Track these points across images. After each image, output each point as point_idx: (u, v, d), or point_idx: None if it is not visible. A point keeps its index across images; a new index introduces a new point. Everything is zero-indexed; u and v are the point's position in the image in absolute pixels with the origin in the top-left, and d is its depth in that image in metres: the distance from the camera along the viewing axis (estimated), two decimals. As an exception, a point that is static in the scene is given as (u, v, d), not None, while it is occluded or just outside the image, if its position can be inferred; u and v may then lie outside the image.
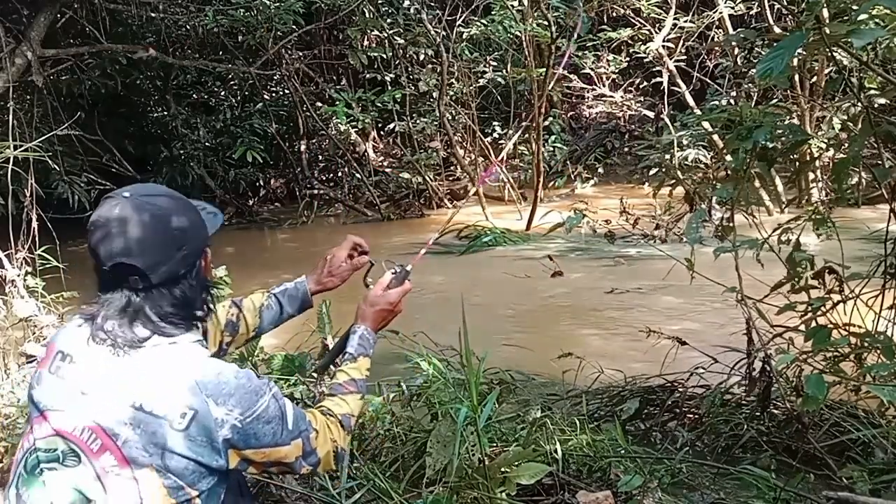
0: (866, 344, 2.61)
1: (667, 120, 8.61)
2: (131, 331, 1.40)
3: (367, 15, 9.54)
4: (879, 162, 2.63)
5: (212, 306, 1.55)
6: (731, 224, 2.87)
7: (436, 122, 10.23)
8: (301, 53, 10.88)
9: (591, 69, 10.20)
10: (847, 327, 2.69)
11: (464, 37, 9.60)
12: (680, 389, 3.17)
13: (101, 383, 1.39)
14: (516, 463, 2.29)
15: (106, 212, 1.41)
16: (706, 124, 6.16)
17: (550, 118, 10.54)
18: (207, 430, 1.37)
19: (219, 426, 1.38)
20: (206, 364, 1.43)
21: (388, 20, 9.97)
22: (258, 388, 1.44)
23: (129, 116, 10.52)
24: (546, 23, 7.95)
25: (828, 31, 2.21)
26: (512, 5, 8.80)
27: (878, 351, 2.55)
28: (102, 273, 1.41)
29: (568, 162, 10.74)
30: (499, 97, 10.95)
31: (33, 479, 1.39)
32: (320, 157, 11.13)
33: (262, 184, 11.04)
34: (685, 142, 7.35)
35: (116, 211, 1.40)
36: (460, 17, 9.59)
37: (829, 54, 2.47)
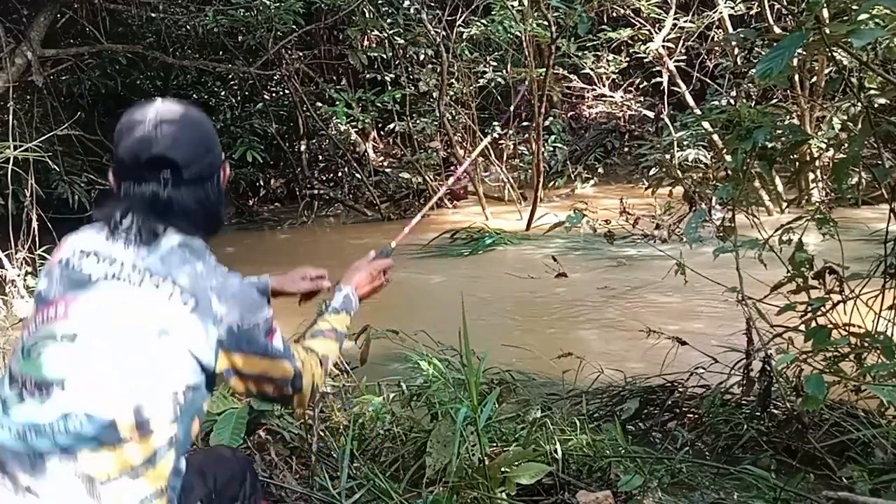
0: (866, 344, 2.61)
1: (667, 120, 8.61)
2: (154, 223, 1.44)
3: (367, 15, 9.53)
4: (879, 162, 2.64)
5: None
6: (731, 224, 2.88)
7: (436, 122, 10.23)
8: (301, 53, 10.88)
9: (591, 69, 10.19)
10: (847, 327, 2.69)
11: (464, 37, 9.60)
12: (680, 389, 3.17)
13: (115, 273, 1.42)
14: (516, 463, 2.29)
15: (139, 114, 1.47)
16: (706, 124, 6.16)
17: (550, 118, 10.54)
18: (206, 324, 1.41)
19: (217, 323, 1.42)
20: (216, 265, 1.48)
21: (388, 20, 9.96)
22: (259, 301, 1.49)
23: (130, 116, 10.50)
24: (546, 23, 7.95)
25: (828, 31, 2.21)
26: (512, 5, 8.80)
27: (878, 351, 2.56)
28: (130, 171, 1.46)
29: (568, 162, 10.73)
30: (499, 97, 10.95)
31: (31, 359, 1.41)
32: (320, 157, 11.13)
33: (262, 184, 11.03)
34: (685, 142, 7.35)
35: (151, 112, 1.47)
36: (460, 17, 9.58)
37: (829, 54, 2.47)
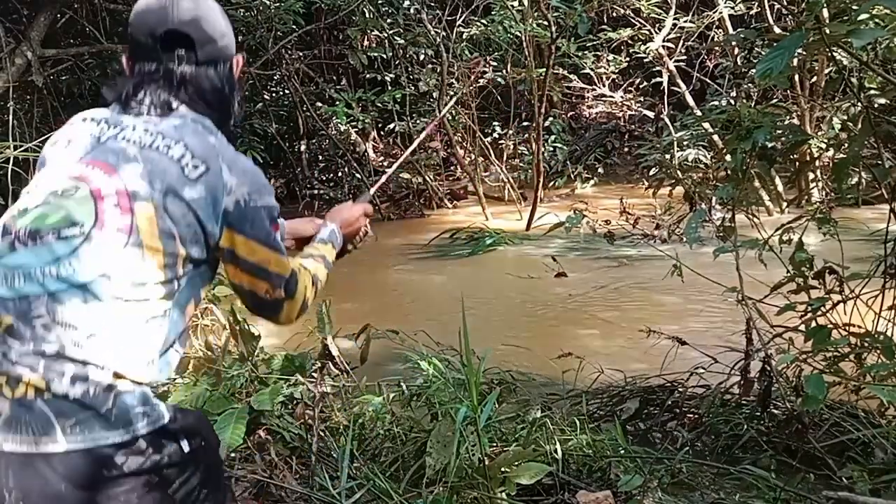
0: (866, 344, 2.61)
1: (667, 120, 8.61)
2: (167, 97, 1.45)
3: (367, 15, 9.53)
4: (879, 162, 2.63)
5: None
6: (731, 224, 2.88)
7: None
8: (301, 53, 10.87)
9: (591, 69, 10.19)
10: (847, 327, 2.69)
11: (464, 37, 9.60)
12: (680, 389, 3.17)
13: (121, 139, 1.41)
14: (516, 463, 2.29)
15: None
16: (706, 124, 6.16)
17: (550, 118, 10.54)
18: (214, 190, 1.38)
19: (226, 193, 1.40)
20: (227, 142, 1.48)
21: (388, 20, 9.96)
22: (269, 187, 1.49)
23: (129, 116, 10.51)
24: (546, 23, 7.95)
25: (828, 31, 2.21)
26: (512, 5, 8.80)
27: (878, 351, 2.56)
28: (145, 49, 1.47)
29: (568, 162, 10.73)
30: (499, 97, 10.95)
31: (27, 213, 1.39)
32: (320, 157, 11.12)
33: (261, 184, 11.03)
34: (685, 142, 7.35)
35: None
36: (460, 17, 9.58)
37: (829, 54, 2.47)
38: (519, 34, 9.28)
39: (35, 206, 1.38)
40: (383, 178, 2.44)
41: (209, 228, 1.39)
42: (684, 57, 9.36)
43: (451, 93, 9.37)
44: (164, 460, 1.35)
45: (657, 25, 8.70)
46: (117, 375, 1.33)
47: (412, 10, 9.88)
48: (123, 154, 1.38)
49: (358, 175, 10.30)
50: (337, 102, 10.22)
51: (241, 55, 1.59)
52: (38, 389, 1.28)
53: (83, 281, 1.31)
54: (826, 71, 7.12)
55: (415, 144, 2.76)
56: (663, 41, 8.59)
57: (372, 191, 2.20)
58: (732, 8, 8.33)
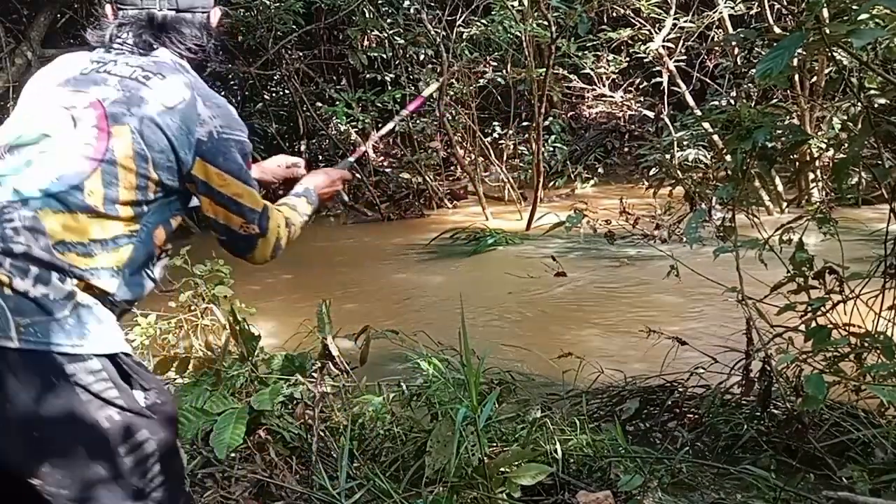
0: (866, 344, 2.61)
1: (667, 120, 8.61)
2: (147, 38, 1.55)
3: (367, 15, 9.53)
4: (879, 162, 2.63)
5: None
6: (731, 224, 2.87)
7: (436, 122, 10.23)
8: (301, 53, 10.87)
9: (591, 69, 10.19)
10: (847, 327, 2.69)
11: (464, 37, 9.60)
12: (680, 389, 3.17)
13: (103, 72, 1.50)
14: (516, 463, 2.29)
15: None
16: (706, 124, 6.16)
17: (550, 118, 10.53)
18: (189, 120, 1.47)
19: (199, 123, 1.47)
20: (202, 82, 1.58)
21: (388, 20, 9.96)
22: (242, 124, 1.57)
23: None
24: (546, 23, 7.95)
25: (828, 31, 2.21)
26: (512, 5, 8.79)
27: (878, 351, 2.56)
28: None
29: (568, 162, 10.73)
30: (499, 97, 10.94)
31: (7, 133, 1.48)
32: (320, 157, 11.12)
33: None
34: (685, 142, 7.35)
35: None
36: (460, 17, 9.58)
37: (829, 54, 2.47)
38: (519, 34, 9.27)
39: (18, 124, 1.48)
40: (364, 148, 2.64)
41: (182, 156, 1.47)
42: (684, 57, 9.36)
43: (451, 92, 9.38)
44: (115, 397, 1.37)
45: (657, 25, 8.69)
46: (82, 285, 1.38)
47: (412, 10, 9.87)
48: (104, 83, 1.48)
49: (358, 175, 10.29)
50: (337, 102, 10.22)
51: (218, 8, 1.69)
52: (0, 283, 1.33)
53: (55, 191, 1.38)
54: (826, 71, 7.12)
55: (403, 113, 2.78)
56: (663, 41, 8.59)
57: (352, 159, 2.27)
58: (732, 8, 8.32)
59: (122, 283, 1.44)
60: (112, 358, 1.40)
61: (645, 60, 9.27)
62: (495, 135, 11.05)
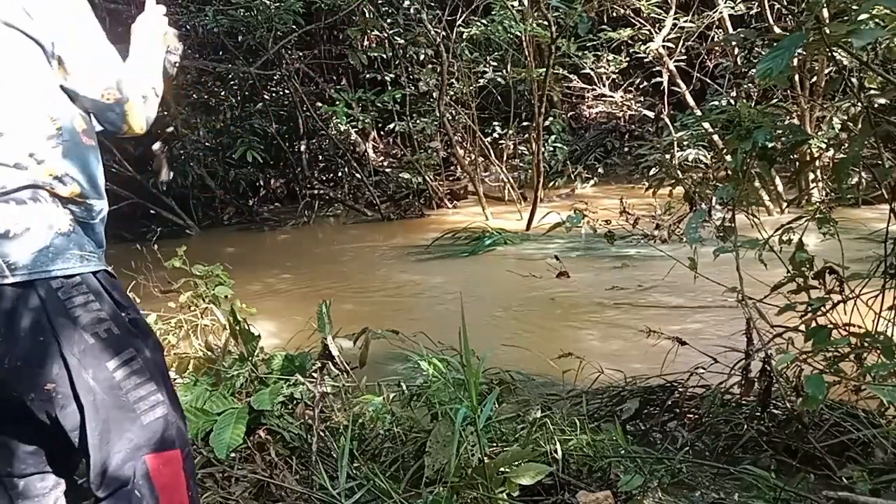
0: (866, 344, 2.61)
1: (667, 120, 8.61)
2: None
3: (367, 15, 9.54)
4: (879, 162, 2.63)
5: None
6: (731, 224, 2.87)
7: (436, 122, 10.23)
8: (301, 53, 10.88)
9: (591, 69, 10.19)
10: (847, 327, 2.69)
11: (464, 37, 9.60)
12: (680, 389, 3.16)
13: None
14: (516, 463, 2.29)
15: None
16: (706, 124, 6.17)
17: (550, 118, 10.54)
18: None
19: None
20: None
21: (388, 20, 9.97)
22: (87, 3, 1.74)
23: (129, 116, 10.51)
24: (546, 23, 7.95)
25: (828, 31, 2.21)
26: (512, 5, 8.80)
27: (878, 351, 2.56)
28: None
29: (568, 162, 10.73)
30: (499, 97, 10.95)
31: None
32: (320, 157, 11.13)
33: (262, 184, 11.03)
34: (685, 142, 7.35)
35: None
36: (460, 17, 9.58)
37: (829, 54, 2.47)
38: (519, 34, 9.28)
39: None
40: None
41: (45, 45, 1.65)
42: (684, 57, 9.37)
43: (451, 92, 9.38)
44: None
45: (657, 25, 8.70)
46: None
47: (412, 10, 9.88)
48: None
49: (358, 175, 10.30)
50: (337, 102, 10.22)
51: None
52: None
53: None
54: (826, 71, 7.12)
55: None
56: (663, 41, 8.59)
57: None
58: (732, 8, 8.33)
59: (50, 187, 1.67)
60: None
61: (645, 60, 9.28)
62: (495, 135, 11.06)
